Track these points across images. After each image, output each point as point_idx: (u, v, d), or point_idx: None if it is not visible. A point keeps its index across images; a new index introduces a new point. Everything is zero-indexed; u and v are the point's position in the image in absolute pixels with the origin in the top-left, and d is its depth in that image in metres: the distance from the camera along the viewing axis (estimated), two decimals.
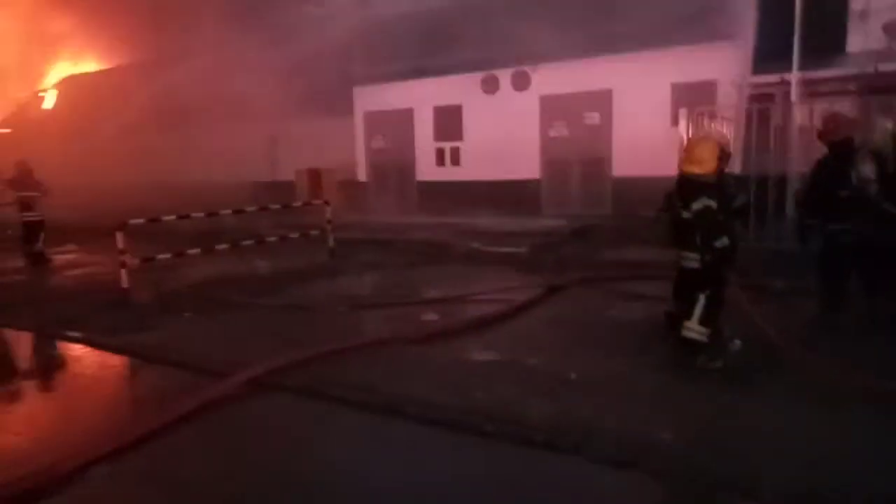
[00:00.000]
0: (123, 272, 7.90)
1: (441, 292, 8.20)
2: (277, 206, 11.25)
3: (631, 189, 12.80)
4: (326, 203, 11.15)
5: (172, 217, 9.09)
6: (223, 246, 9.59)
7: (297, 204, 11.94)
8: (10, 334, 7.18)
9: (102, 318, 7.27)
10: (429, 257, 10.66)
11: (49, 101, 32.97)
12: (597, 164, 14.00)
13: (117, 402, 5.33)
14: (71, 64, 34.69)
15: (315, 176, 18.93)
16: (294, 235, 10.73)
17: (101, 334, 6.61)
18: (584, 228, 12.01)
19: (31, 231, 11.30)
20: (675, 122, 12.17)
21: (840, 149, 5.76)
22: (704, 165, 4.88)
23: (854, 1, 11.36)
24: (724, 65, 11.79)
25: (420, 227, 13.51)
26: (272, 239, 10.42)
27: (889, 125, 7.84)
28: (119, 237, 7.93)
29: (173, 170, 20.93)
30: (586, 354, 5.55)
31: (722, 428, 4.13)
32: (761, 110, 9.68)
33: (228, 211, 9.94)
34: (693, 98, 12.16)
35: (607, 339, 5.99)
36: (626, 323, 6.48)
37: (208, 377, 5.07)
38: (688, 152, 5.08)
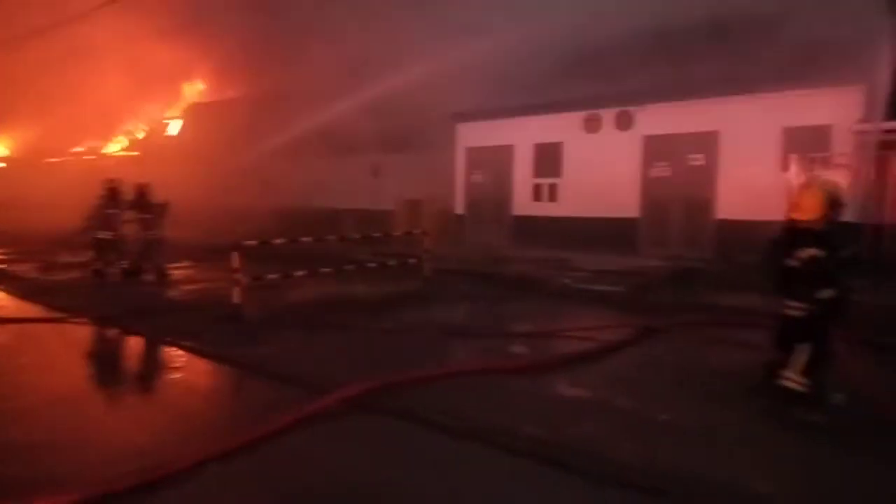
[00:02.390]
0: (236, 290, 8.47)
1: (532, 326, 8.26)
2: (378, 235, 11.70)
3: (734, 233, 12.41)
4: (424, 233, 11.50)
5: (282, 241, 9.69)
6: (327, 270, 10.08)
7: (397, 233, 12.40)
8: (132, 341, 7.85)
9: (214, 330, 7.81)
10: (522, 291, 10.74)
11: (173, 127, 35.71)
12: (699, 205, 13.67)
13: (223, 408, 5.70)
14: (196, 93, 37.54)
15: (414, 207, 19.49)
16: (392, 263, 11.13)
17: (212, 345, 7.10)
18: (683, 270, 11.72)
19: (149, 248, 12.26)
20: (785, 166, 11.78)
21: None
22: (811, 213, 4.77)
23: None
24: (840, 110, 11.30)
25: (514, 260, 13.61)
26: (372, 265, 10.87)
27: None
28: (234, 257, 8.52)
29: (285, 195, 22.14)
30: (679, 399, 5.46)
31: (819, 484, 3.96)
32: (881, 158, 9.23)
33: (333, 237, 10.46)
34: (805, 143, 11.73)
35: (702, 384, 5.86)
36: (722, 369, 6.30)
37: (308, 392, 5.37)
38: (795, 199, 4.98)
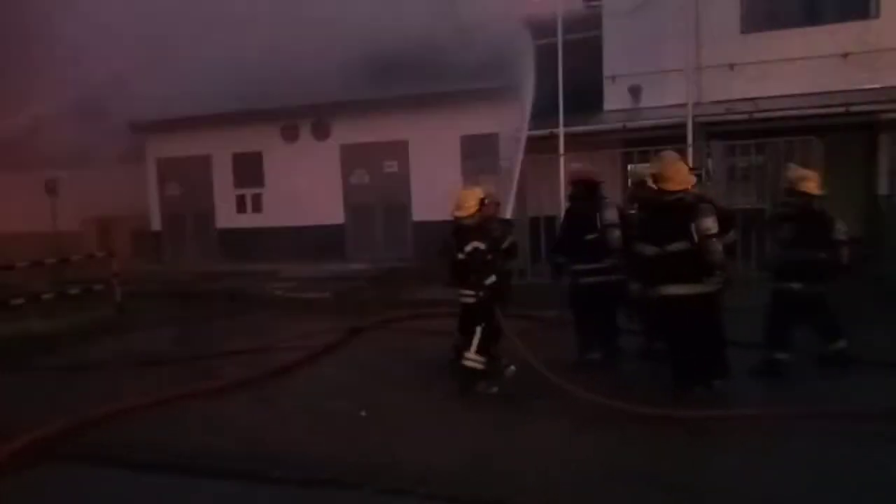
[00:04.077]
0: None
1: (241, 343, 8.02)
2: (53, 260, 10.27)
3: (429, 232, 13.51)
4: (111, 254, 10.47)
5: None
6: None
7: (77, 257, 10.88)
8: None
9: None
10: (229, 307, 10.41)
11: None
12: (397, 209, 14.63)
13: None
14: None
15: (104, 225, 17.61)
16: (75, 291, 9.88)
17: None
18: (387, 271, 12.47)
19: None
20: (463, 170, 13.19)
21: (585, 198, 6.17)
22: (468, 211, 5.48)
23: (606, 66, 13.18)
24: (504, 119, 12.98)
25: (220, 275, 13.14)
26: (48, 296, 9.50)
27: (637, 171, 9.17)
28: None
29: None
30: (380, 391, 5.85)
31: (496, 450, 4.53)
32: (532, 160, 10.87)
33: None
34: (479, 149, 13.26)
35: (401, 375, 6.36)
36: (419, 358, 6.88)
37: None
38: (456, 200, 5.65)
